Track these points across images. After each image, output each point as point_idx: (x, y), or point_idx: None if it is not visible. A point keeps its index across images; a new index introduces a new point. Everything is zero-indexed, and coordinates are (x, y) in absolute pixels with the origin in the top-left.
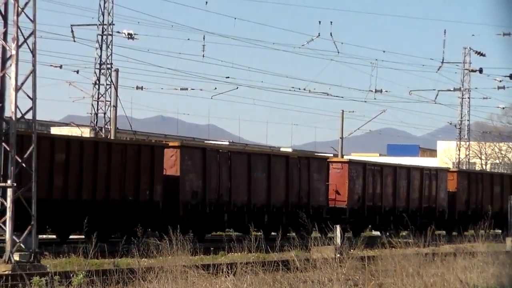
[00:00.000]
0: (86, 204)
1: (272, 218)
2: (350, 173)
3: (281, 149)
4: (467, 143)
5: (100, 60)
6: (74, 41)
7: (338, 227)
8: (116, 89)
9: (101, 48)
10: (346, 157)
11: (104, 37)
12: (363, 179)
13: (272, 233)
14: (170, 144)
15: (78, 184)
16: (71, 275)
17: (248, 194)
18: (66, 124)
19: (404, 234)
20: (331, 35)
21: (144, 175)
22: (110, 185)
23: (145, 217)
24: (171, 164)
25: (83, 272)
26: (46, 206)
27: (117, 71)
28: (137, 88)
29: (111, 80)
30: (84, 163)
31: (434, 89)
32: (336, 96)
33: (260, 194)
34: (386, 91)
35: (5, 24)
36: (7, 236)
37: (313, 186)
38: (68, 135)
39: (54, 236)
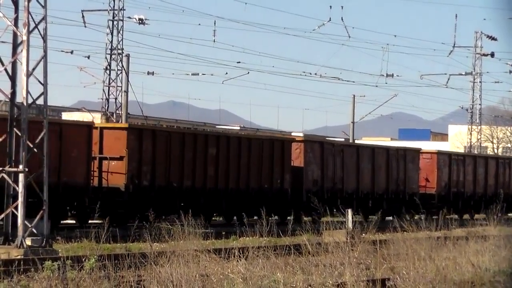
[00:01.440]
0: (231, 191)
1: (374, 203)
2: (439, 162)
3: (292, 134)
4: (479, 127)
5: (111, 46)
6: (85, 26)
7: (349, 211)
8: (127, 74)
9: (112, 34)
10: (357, 142)
11: (115, 22)
12: (448, 168)
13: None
14: (297, 138)
15: (226, 175)
16: (83, 259)
17: (356, 182)
18: (78, 110)
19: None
20: (342, 19)
21: (277, 166)
22: (250, 175)
23: (276, 203)
24: (296, 156)
25: (95, 257)
26: (201, 194)
27: (128, 56)
28: (148, 73)
29: (122, 66)
30: (230, 156)
31: (445, 73)
32: (347, 81)
33: (366, 182)
34: (397, 76)
35: (16, 10)
36: (19, 221)
37: (408, 175)
38: (218, 131)
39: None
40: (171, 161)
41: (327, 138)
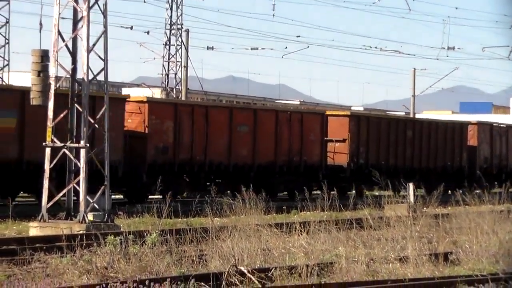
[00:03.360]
0: (422, 169)
1: None
2: None
3: (352, 108)
4: None
5: (171, 21)
6: (145, 1)
7: (411, 185)
8: (186, 49)
9: (171, 9)
10: (419, 115)
11: None
12: None
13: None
14: (472, 122)
15: (419, 154)
16: (145, 234)
17: None
18: (137, 85)
19: None
20: None
21: (456, 146)
22: (437, 154)
23: (452, 178)
24: (470, 136)
25: (157, 231)
26: (401, 171)
27: (187, 31)
28: (208, 48)
29: (182, 41)
30: (422, 138)
31: (507, 46)
32: (408, 54)
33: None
34: (459, 48)
35: None
36: (81, 196)
37: None
38: (413, 118)
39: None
40: (380, 143)
41: (387, 112)
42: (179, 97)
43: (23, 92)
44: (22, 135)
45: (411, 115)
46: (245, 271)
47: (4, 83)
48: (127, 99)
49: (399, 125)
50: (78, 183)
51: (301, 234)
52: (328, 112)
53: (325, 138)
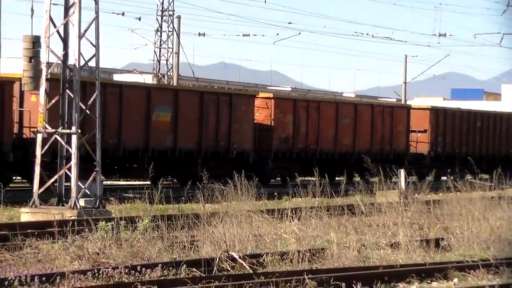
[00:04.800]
0: (483, 156)
1: None
2: None
3: (344, 95)
4: None
5: (162, 7)
6: None
7: (402, 171)
8: (178, 35)
9: None
10: (409, 102)
11: None
12: None
13: None
14: None
15: (486, 143)
16: (137, 220)
17: None
18: (129, 71)
19: None
20: None
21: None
22: (501, 143)
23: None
24: None
25: (149, 217)
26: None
27: (179, 17)
28: (199, 34)
29: (173, 27)
30: (489, 129)
31: (499, 33)
32: (399, 41)
33: None
34: (450, 35)
35: None
36: (73, 182)
37: None
38: (475, 109)
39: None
40: (455, 134)
41: (378, 99)
42: (171, 83)
43: (177, 91)
44: (175, 127)
45: (403, 102)
46: (237, 257)
47: None
48: (256, 96)
49: (470, 117)
50: (69, 169)
51: (293, 220)
52: (412, 106)
53: (409, 129)
